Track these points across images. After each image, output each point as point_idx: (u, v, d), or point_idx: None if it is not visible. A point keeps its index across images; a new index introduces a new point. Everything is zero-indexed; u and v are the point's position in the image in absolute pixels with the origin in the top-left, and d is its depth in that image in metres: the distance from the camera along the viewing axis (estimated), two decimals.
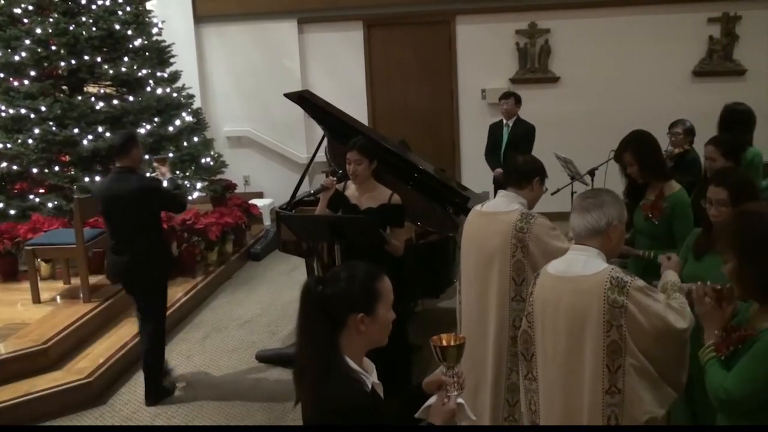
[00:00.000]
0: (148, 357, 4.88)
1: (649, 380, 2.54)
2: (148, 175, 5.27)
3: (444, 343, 2.11)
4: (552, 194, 6.42)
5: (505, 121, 7.29)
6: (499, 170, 7.15)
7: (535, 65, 8.84)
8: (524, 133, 7.11)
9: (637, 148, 3.85)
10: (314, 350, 1.96)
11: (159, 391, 4.91)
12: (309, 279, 2.07)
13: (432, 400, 2.11)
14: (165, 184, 4.94)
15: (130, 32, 7.33)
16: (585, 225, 2.60)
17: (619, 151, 3.95)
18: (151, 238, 4.74)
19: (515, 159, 3.66)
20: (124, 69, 7.11)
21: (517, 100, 7.25)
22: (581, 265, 2.59)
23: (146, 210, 4.68)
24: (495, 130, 7.40)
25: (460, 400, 2.09)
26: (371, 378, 2.03)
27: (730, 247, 2.24)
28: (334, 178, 4.34)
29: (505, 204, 3.52)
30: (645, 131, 3.98)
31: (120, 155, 4.71)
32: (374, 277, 2.03)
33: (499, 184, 6.88)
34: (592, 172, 6.15)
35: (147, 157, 6.52)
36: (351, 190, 4.26)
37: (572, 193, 7.15)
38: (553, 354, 2.65)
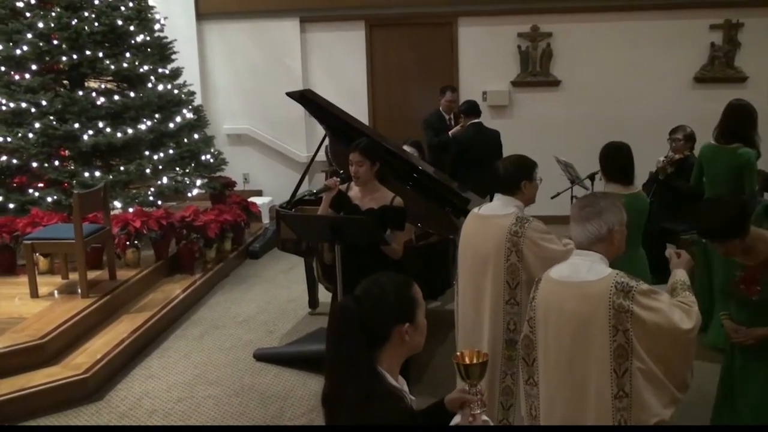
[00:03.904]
0: None
1: (654, 383, 2.54)
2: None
3: (467, 360, 2.07)
4: (552, 198, 6.44)
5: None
6: None
7: (536, 68, 8.84)
8: None
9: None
10: (354, 371, 1.90)
11: None
12: (344, 298, 2.02)
13: (457, 419, 2.07)
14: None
15: (132, 28, 7.34)
16: (587, 235, 2.61)
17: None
18: None
19: (497, 166, 3.64)
20: (125, 65, 7.12)
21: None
22: (585, 270, 2.59)
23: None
24: None
25: (484, 417, 2.06)
26: (407, 393, 2.01)
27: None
28: (338, 179, 4.34)
29: (501, 207, 3.53)
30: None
31: None
32: (409, 285, 2.03)
33: None
34: (592, 177, 6.15)
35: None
36: (354, 190, 4.27)
37: (572, 197, 7.15)
38: (556, 359, 2.65)
